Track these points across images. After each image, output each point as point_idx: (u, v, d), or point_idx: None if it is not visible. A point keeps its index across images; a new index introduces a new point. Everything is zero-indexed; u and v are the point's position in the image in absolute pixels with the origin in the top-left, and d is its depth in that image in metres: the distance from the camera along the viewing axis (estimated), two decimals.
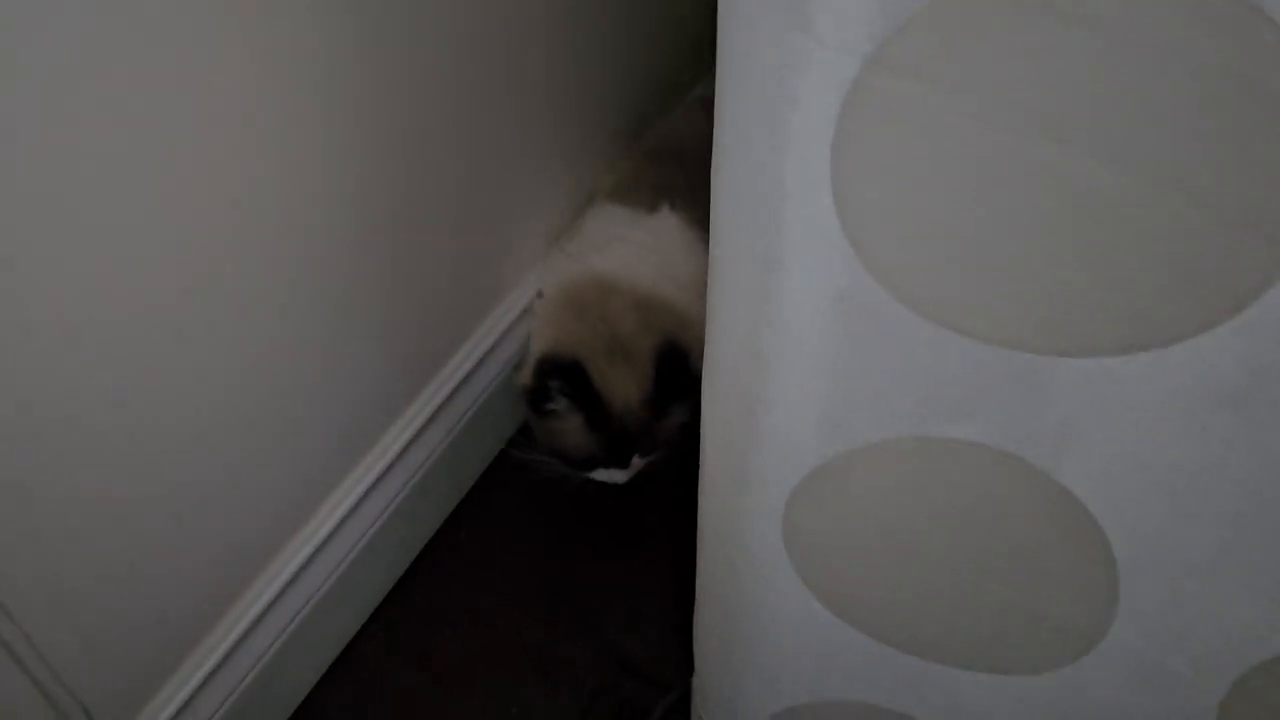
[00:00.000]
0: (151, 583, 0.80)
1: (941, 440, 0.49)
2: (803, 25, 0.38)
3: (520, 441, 1.05)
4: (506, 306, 1.05)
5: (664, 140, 1.07)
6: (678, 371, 0.92)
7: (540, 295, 1.02)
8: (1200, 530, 0.45)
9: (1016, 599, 0.54)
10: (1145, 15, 0.34)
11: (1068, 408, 0.45)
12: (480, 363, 1.02)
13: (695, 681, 0.80)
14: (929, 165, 0.41)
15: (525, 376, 0.97)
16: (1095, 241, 0.40)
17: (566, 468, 0.99)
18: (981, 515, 0.52)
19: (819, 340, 0.48)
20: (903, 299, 0.44)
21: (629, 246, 0.98)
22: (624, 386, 0.93)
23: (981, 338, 0.44)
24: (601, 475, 0.98)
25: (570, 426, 0.95)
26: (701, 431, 0.61)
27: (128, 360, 0.70)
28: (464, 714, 0.96)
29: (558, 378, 0.93)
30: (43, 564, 0.71)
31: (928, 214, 0.42)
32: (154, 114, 0.63)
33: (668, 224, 1.00)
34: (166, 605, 0.82)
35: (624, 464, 0.96)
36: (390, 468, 0.96)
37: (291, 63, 0.71)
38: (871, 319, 0.45)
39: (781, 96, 0.41)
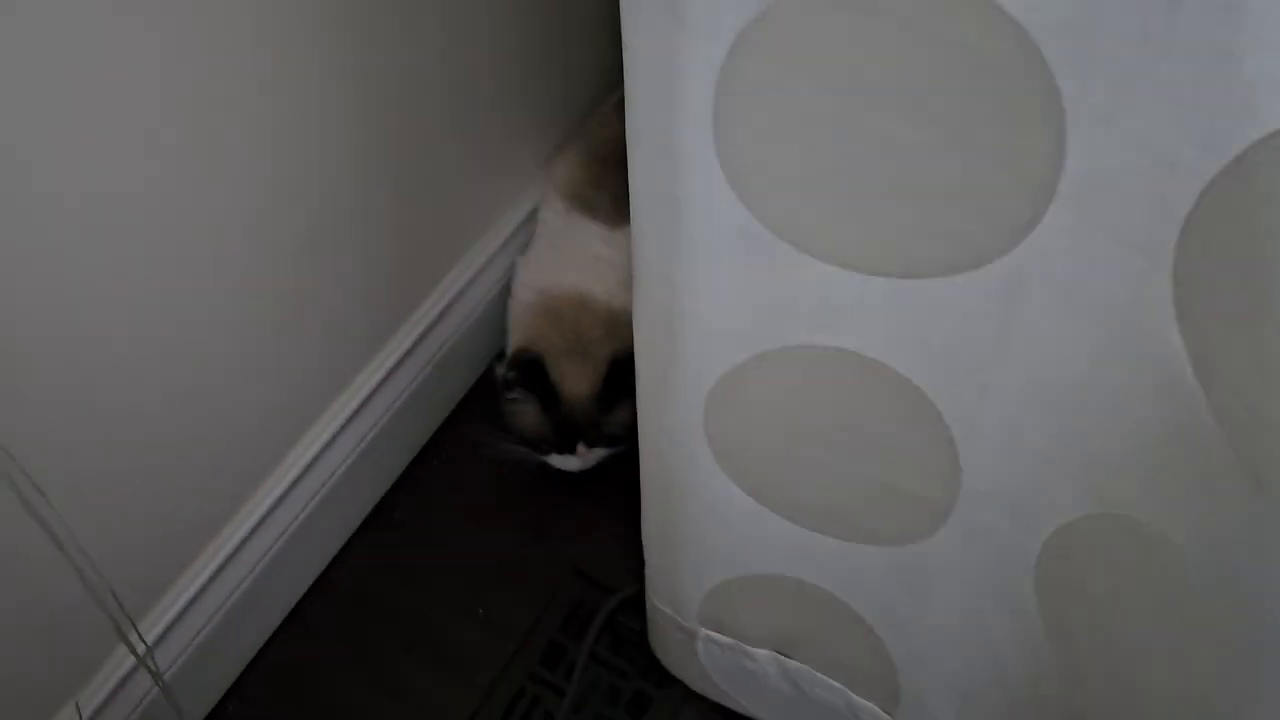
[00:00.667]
0: (169, 484, 0.90)
1: (815, 347, 0.60)
2: (679, 20, 0.50)
3: (489, 430, 1.14)
4: (484, 244, 1.14)
5: (605, 143, 1.13)
6: (624, 376, 1.00)
7: (511, 294, 1.13)
8: (1001, 408, 0.57)
9: (882, 474, 0.66)
10: (912, 6, 0.45)
11: (907, 318, 0.57)
12: (460, 294, 1.12)
13: (647, 572, 0.92)
14: (786, 128, 0.52)
15: (503, 368, 1.08)
16: (909, 185, 0.51)
17: (526, 450, 1.09)
18: (849, 406, 0.63)
19: (716, 269, 0.59)
20: (775, 232, 0.56)
21: (601, 264, 1.09)
22: (576, 383, 1.05)
23: (837, 263, 0.56)
24: (556, 461, 1.09)
25: (528, 411, 1.06)
26: (635, 351, 0.72)
27: (145, 290, 0.80)
28: (438, 614, 1.07)
29: (518, 370, 1.04)
30: (81, 463, 0.81)
31: (788, 166, 0.53)
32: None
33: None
34: (182, 506, 0.93)
35: (571, 449, 1.07)
36: (373, 394, 1.06)
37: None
38: (753, 250, 0.57)
39: (670, 76, 0.52)
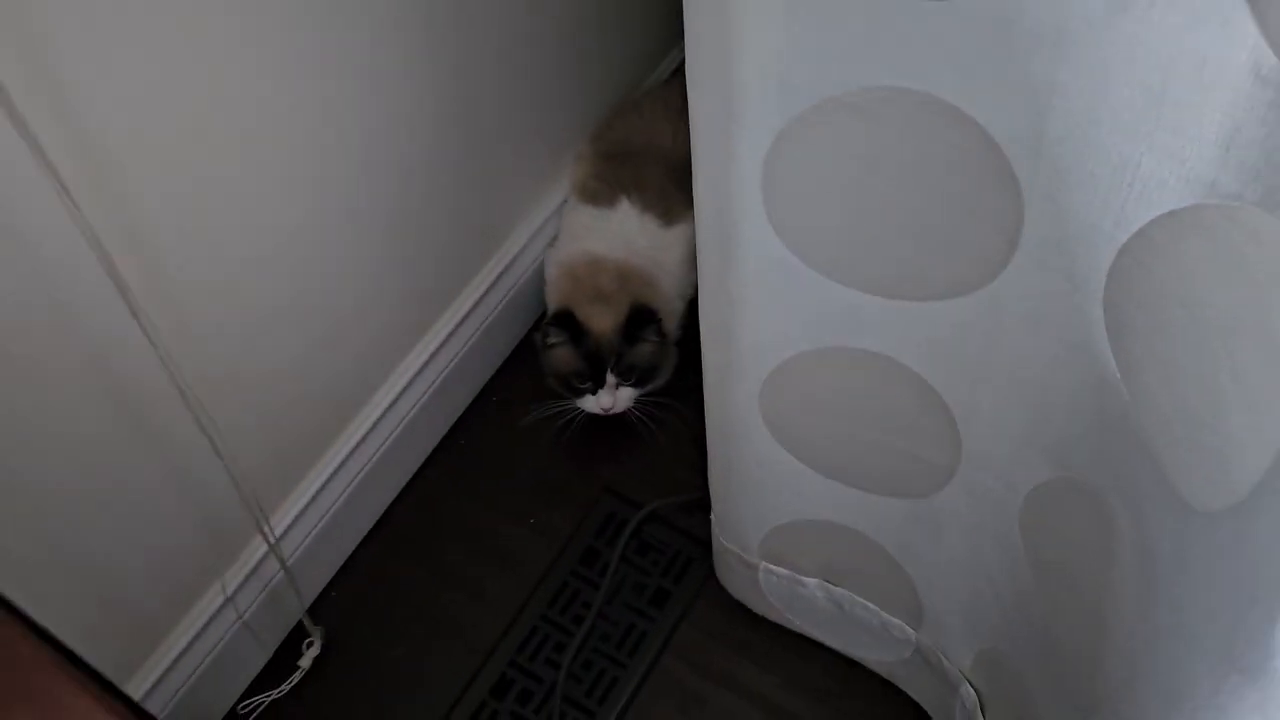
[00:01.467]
0: (295, 406, 1.09)
1: (845, 348, 0.77)
2: (736, 120, 0.65)
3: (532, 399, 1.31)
4: (527, 224, 1.34)
5: (613, 144, 1.35)
6: (643, 317, 1.22)
7: (545, 274, 1.32)
8: (990, 397, 0.73)
9: (900, 444, 0.82)
10: (906, 116, 0.59)
11: (915, 329, 0.72)
12: (510, 264, 1.32)
13: (714, 517, 1.09)
14: (815, 187, 0.67)
15: (541, 331, 1.26)
16: (911, 236, 0.66)
17: (567, 395, 1.25)
18: (873, 393, 0.79)
19: (763, 288, 0.76)
20: (809, 264, 0.72)
21: (604, 237, 1.28)
22: (600, 322, 1.22)
23: (858, 288, 0.72)
24: (589, 404, 1.24)
25: (564, 352, 1.23)
26: (702, 350, 0.88)
27: (289, 222, 0.98)
28: (496, 522, 1.27)
29: (555, 324, 1.22)
30: (232, 379, 0.98)
31: (818, 214, 0.69)
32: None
33: (627, 214, 1.28)
34: (302, 425, 1.12)
35: (601, 381, 1.23)
36: (446, 340, 1.26)
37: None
38: (790, 275, 0.73)
39: (729, 155, 0.68)
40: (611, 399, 1.24)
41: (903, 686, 1.12)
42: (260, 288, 0.98)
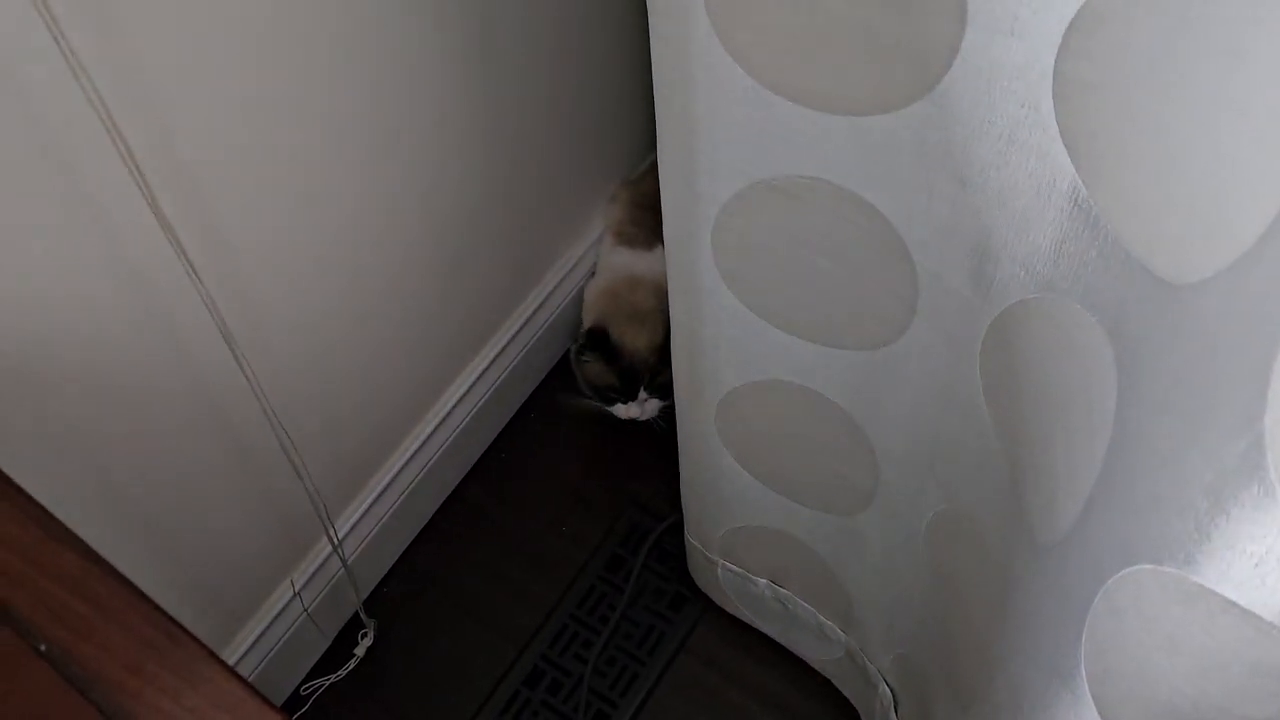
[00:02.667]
0: (359, 413, 1.16)
1: (781, 380, 0.88)
2: (694, 191, 0.76)
3: (568, 391, 1.41)
4: (567, 258, 1.41)
5: (645, 195, 1.40)
6: None
7: (583, 299, 1.38)
8: (901, 433, 0.83)
9: (831, 465, 0.93)
10: (830, 201, 0.69)
11: (842, 372, 0.82)
12: (549, 295, 1.39)
13: (685, 517, 1.19)
14: (754, 249, 0.77)
15: (575, 344, 1.33)
16: (831, 297, 0.76)
17: (598, 402, 1.31)
18: (805, 419, 0.89)
19: (717, 326, 0.86)
20: (752, 309, 0.82)
21: (642, 267, 1.34)
22: (635, 340, 1.28)
23: (793, 334, 0.83)
24: (621, 411, 1.31)
25: (599, 368, 1.29)
26: (673, 374, 0.98)
27: (360, 238, 1.04)
28: (532, 529, 1.37)
29: (588, 340, 1.28)
30: (304, 389, 1.04)
31: (757, 270, 0.79)
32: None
33: (661, 257, 1.27)
34: (363, 436, 1.20)
35: (634, 395, 1.28)
36: (491, 363, 1.33)
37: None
38: (737, 317, 0.83)
39: (690, 217, 0.78)
40: (640, 409, 1.31)
41: (836, 684, 1.22)
42: (332, 316, 1.06)
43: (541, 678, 1.27)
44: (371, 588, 1.33)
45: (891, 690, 1.08)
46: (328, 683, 1.26)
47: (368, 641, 1.26)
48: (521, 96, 1.17)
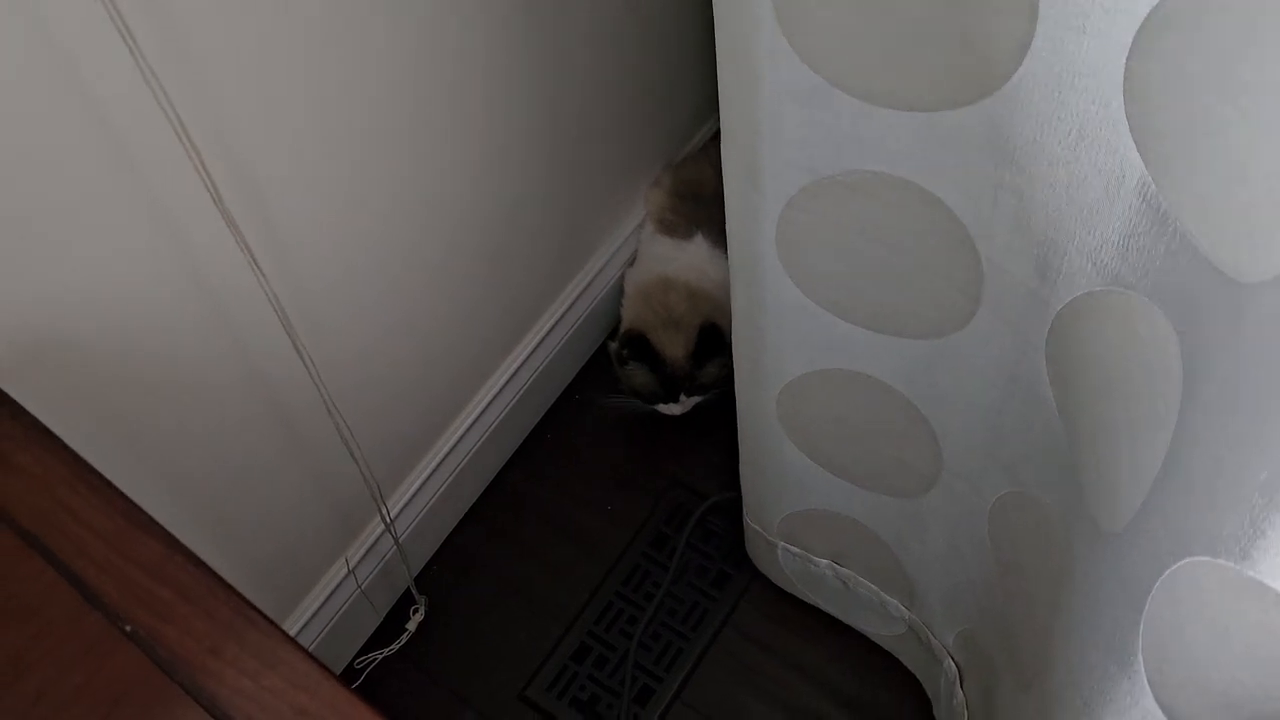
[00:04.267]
0: (409, 398, 1.19)
1: (842, 369, 0.89)
2: (757, 188, 0.76)
3: (609, 390, 1.41)
4: (609, 244, 1.43)
5: (687, 184, 1.42)
6: (712, 339, 1.28)
7: (622, 291, 1.40)
8: (958, 420, 0.84)
9: (891, 451, 0.93)
10: (895, 194, 0.70)
11: (903, 360, 0.82)
12: (590, 284, 1.41)
13: (744, 501, 1.20)
14: (818, 243, 0.77)
15: (615, 344, 1.34)
16: (896, 287, 0.76)
17: (639, 403, 1.33)
18: (866, 406, 0.90)
19: (779, 318, 0.86)
20: (815, 301, 0.82)
21: (678, 263, 1.35)
22: (674, 348, 1.29)
23: (860, 326, 0.83)
24: (662, 408, 1.33)
25: (640, 373, 1.31)
26: (734, 365, 0.99)
27: (412, 234, 1.06)
28: (577, 509, 1.38)
29: (630, 347, 1.30)
30: (359, 378, 1.07)
31: (820, 263, 0.79)
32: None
33: (700, 247, 1.36)
34: (413, 417, 1.21)
35: (675, 399, 1.30)
36: (537, 347, 1.35)
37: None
38: (800, 309, 0.83)
39: (753, 214, 0.79)
40: (681, 408, 1.33)
41: (899, 657, 1.23)
42: (384, 308, 1.09)
43: (588, 653, 1.29)
44: (422, 565, 1.35)
45: (957, 665, 1.09)
46: (380, 656, 1.27)
47: (419, 617, 1.28)
48: (567, 84, 1.18)
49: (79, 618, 0.57)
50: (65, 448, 0.62)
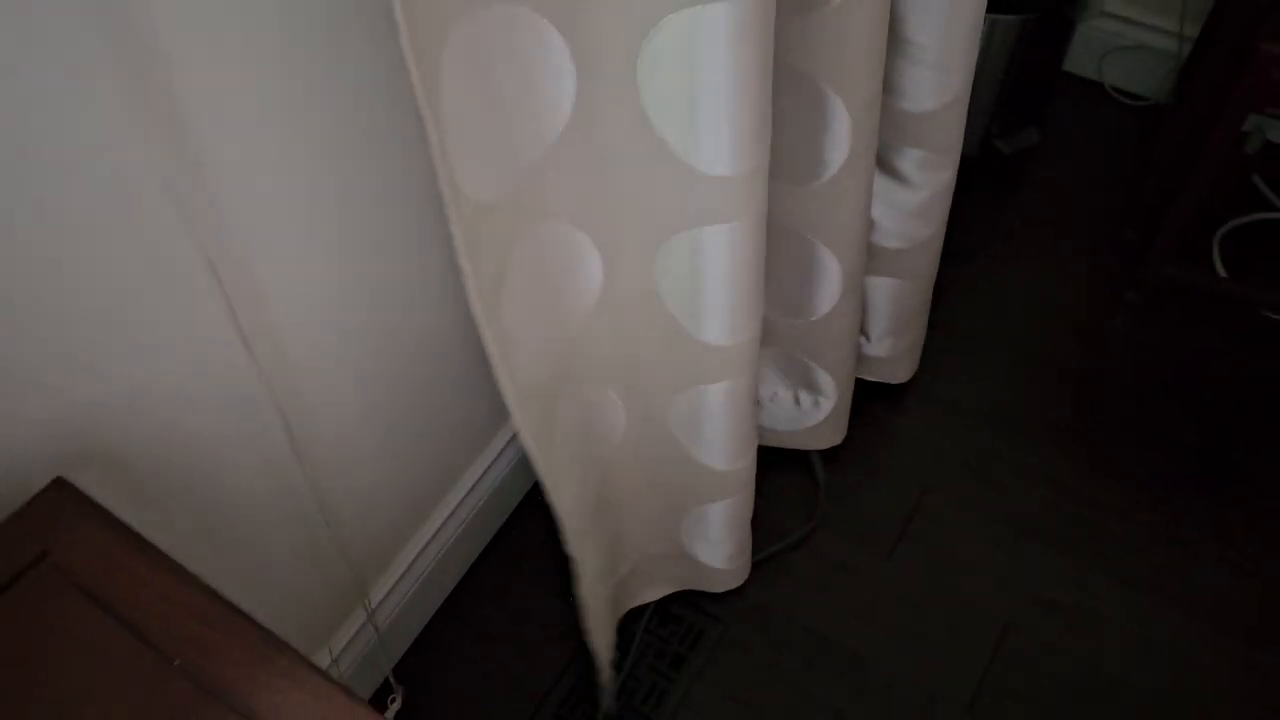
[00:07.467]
0: (390, 495, 1.22)
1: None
2: None
3: None
4: None
5: None
6: None
7: None
8: None
9: None
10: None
11: None
12: None
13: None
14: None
15: None
16: None
17: None
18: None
19: None
20: None
21: None
22: None
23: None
24: None
25: None
26: None
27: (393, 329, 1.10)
28: (543, 596, 1.42)
29: None
30: (345, 475, 1.11)
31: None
32: None
33: None
34: (390, 515, 1.24)
35: None
36: (497, 458, 1.39)
37: None
38: None
39: None
40: None
41: None
42: (369, 426, 1.12)
43: None
44: (400, 654, 1.38)
45: None
46: None
47: (396, 706, 1.31)
48: None
49: (136, 655, 0.68)
50: (118, 521, 0.74)
